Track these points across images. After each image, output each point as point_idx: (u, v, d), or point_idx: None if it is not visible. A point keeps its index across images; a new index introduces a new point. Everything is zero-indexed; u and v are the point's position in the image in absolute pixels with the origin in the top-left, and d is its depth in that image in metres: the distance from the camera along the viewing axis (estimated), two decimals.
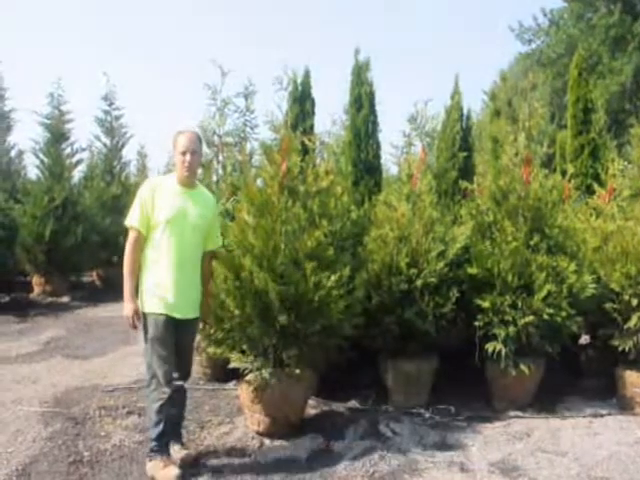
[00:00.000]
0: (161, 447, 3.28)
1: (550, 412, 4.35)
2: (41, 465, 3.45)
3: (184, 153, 3.30)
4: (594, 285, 4.42)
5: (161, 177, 3.53)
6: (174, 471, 3.19)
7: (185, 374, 3.50)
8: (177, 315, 3.30)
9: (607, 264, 4.69)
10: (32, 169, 10.78)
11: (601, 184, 5.77)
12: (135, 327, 3.29)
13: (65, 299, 9.63)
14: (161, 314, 3.26)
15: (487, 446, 3.78)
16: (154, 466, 3.26)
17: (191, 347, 3.54)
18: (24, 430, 3.94)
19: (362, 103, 5.88)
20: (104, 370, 5.48)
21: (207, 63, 5.00)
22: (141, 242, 3.31)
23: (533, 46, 24.16)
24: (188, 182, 3.39)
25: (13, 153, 11.68)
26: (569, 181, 5.72)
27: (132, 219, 3.30)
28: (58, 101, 10.20)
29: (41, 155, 10.16)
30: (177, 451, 3.45)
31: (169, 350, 3.27)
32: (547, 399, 4.52)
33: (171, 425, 3.36)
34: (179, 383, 3.39)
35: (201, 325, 4.08)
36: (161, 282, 3.27)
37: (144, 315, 3.29)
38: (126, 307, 3.27)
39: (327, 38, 58.51)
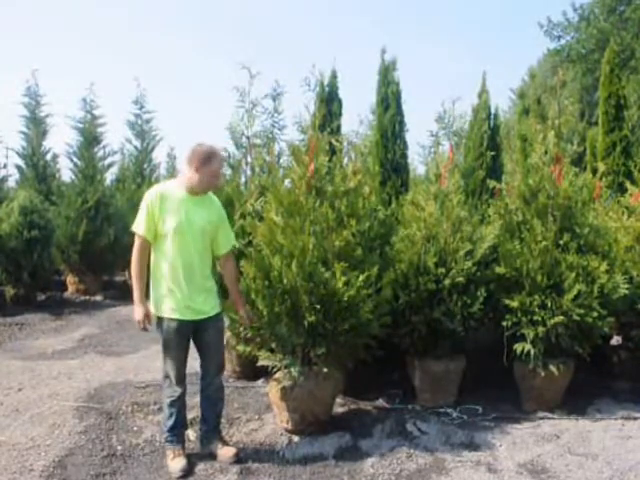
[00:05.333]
0: (173, 438, 3.50)
1: (580, 414, 4.28)
2: (76, 458, 3.57)
3: (217, 176, 3.44)
4: (627, 285, 4.34)
5: (166, 184, 3.50)
6: (180, 463, 3.41)
7: (216, 370, 3.59)
8: (190, 317, 3.40)
9: None
10: (66, 172, 11.02)
11: (634, 182, 5.65)
12: (146, 329, 3.43)
13: (98, 298, 9.85)
14: (172, 319, 3.37)
15: (515, 447, 3.75)
16: (167, 456, 3.51)
17: (217, 344, 3.58)
18: (60, 424, 4.07)
19: (389, 103, 5.89)
20: (136, 367, 5.60)
21: (236, 65, 5.04)
22: (147, 248, 3.40)
23: (562, 42, 23.65)
24: (200, 193, 3.45)
25: (48, 157, 11.95)
26: (600, 179, 5.62)
27: (138, 226, 3.37)
28: (90, 106, 10.41)
29: (75, 158, 10.39)
30: (219, 447, 3.55)
31: (180, 352, 3.44)
32: (577, 401, 4.45)
33: (213, 419, 3.61)
34: (217, 379, 3.58)
35: (228, 322, 4.17)
36: (171, 288, 3.36)
37: (158, 319, 3.42)
38: (136, 310, 3.39)
39: (354, 38, 58.43)
